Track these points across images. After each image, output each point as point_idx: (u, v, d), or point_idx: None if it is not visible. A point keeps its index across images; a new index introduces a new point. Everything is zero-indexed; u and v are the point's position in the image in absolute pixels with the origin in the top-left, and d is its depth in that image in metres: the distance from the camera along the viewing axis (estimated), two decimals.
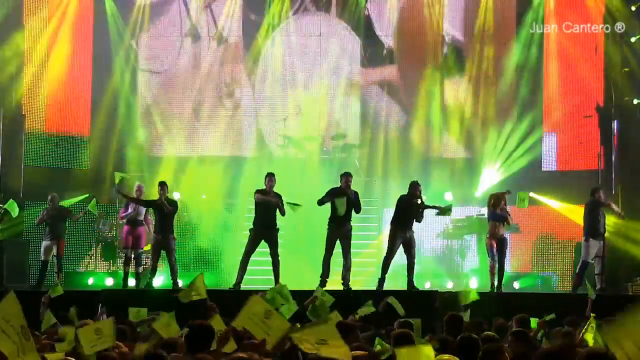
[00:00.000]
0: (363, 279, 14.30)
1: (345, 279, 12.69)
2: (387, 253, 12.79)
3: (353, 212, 12.83)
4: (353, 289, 12.61)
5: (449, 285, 14.80)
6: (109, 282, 14.69)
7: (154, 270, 13.29)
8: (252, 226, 12.99)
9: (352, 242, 12.91)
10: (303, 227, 15.02)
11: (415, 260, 12.81)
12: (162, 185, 13.34)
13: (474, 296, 9.73)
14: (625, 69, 15.80)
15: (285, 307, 8.01)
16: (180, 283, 13.43)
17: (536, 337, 7.53)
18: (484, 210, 13.97)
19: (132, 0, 17.49)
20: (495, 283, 12.88)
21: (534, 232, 15.93)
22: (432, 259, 15.58)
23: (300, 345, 4.39)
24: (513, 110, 16.85)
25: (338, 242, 12.79)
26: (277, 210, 12.83)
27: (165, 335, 6.52)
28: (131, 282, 13.69)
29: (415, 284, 12.70)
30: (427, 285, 14.48)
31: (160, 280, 14.01)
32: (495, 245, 12.91)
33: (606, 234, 13.26)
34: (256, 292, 7.18)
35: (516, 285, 14.72)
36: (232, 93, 17.77)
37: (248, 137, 17.70)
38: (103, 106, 16.98)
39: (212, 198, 16.21)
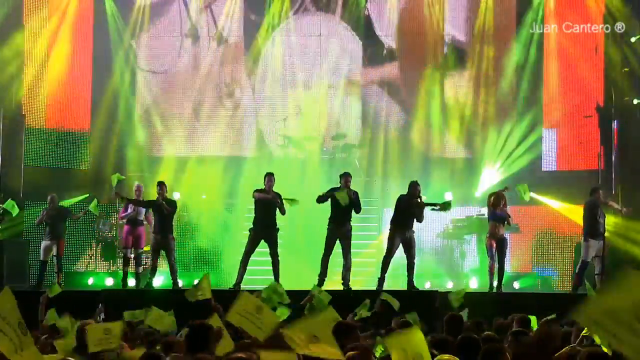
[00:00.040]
0: (363, 279, 14.29)
1: (345, 279, 12.69)
2: (386, 252, 12.81)
3: (353, 212, 12.85)
4: (353, 289, 12.62)
5: (449, 285, 14.80)
6: (109, 282, 14.68)
7: (153, 270, 13.30)
8: (251, 226, 13.00)
9: (352, 242, 12.92)
10: (303, 227, 15.02)
11: (415, 260, 12.82)
12: (161, 185, 13.35)
13: (458, 299, 9.59)
14: (625, 69, 15.80)
15: (279, 311, 8.03)
16: (180, 283, 13.44)
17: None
18: (484, 210, 13.97)
19: (132, 0, 17.50)
20: (495, 283, 12.88)
21: (534, 232, 15.93)
22: (432, 259, 15.58)
23: (291, 344, 4.38)
24: (513, 110, 16.86)
25: (338, 242, 12.79)
26: (277, 209, 12.84)
27: (160, 327, 6.55)
28: (131, 282, 13.70)
29: (415, 284, 12.71)
30: (427, 285, 14.48)
31: (160, 280, 14.01)
32: (495, 245, 12.91)
33: (606, 234, 13.26)
34: (255, 292, 7.19)
35: (516, 285, 14.72)
36: (232, 93, 17.77)
37: (248, 137, 17.70)
38: (103, 106, 16.98)
39: (212, 198, 16.21)
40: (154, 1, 17.57)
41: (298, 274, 13.18)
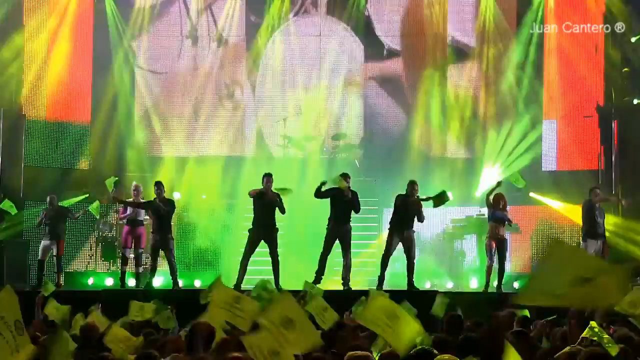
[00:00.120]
0: (363, 279, 14.30)
1: (346, 278, 12.71)
2: (384, 251, 12.86)
3: (353, 212, 12.86)
4: (353, 288, 12.61)
5: (449, 285, 14.81)
6: (109, 282, 14.68)
7: (153, 271, 13.31)
8: (251, 226, 13.00)
9: (352, 242, 12.93)
10: (303, 227, 15.02)
11: (415, 261, 12.83)
12: (158, 185, 13.38)
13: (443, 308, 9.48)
14: (625, 69, 15.80)
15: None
16: (180, 283, 13.45)
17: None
18: (484, 210, 13.98)
19: (132, 1, 17.49)
20: (495, 283, 12.89)
21: (534, 232, 15.93)
22: (432, 259, 15.58)
23: (268, 334, 4.36)
24: (513, 110, 16.86)
25: (337, 242, 12.80)
26: (277, 209, 12.84)
27: (143, 318, 6.59)
28: (131, 282, 13.71)
29: (415, 284, 12.72)
30: (427, 285, 14.49)
31: (160, 280, 14.01)
32: (494, 245, 12.92)
33: (607, 234, 13.27)
34: (245, 292, 7.17)
35: (516, 285, 14.70)
36: (232, 94, 17.77)
37: (248, 137, 17.70)
38: (103, 106, 16.97)
39: (212, 198, 16.21)
40: (154, 2, 17.56)
41: (298, 274, 13.17)
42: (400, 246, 12.84)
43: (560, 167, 16.62)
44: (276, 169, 13.77)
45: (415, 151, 16.99)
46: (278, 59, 17.71)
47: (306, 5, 17.86)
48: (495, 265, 13.06)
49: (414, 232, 12.82)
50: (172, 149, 17.30)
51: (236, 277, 12.73)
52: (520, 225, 15.26)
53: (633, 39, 15.68)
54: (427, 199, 12.73)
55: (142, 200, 13.69)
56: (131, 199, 13.72)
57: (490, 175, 16.42)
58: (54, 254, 13.83)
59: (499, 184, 13.42)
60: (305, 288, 8.92)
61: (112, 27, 17.28)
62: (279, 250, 12.94)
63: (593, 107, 16.27)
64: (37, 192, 15.30)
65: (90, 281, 14.95)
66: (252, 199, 13.02)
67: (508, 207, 13.22)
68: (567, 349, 5.57)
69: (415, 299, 11.54)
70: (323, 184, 12.68)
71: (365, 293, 10.44)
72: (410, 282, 12.67)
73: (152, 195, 13.45)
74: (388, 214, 13.45)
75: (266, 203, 12.79)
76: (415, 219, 12.78)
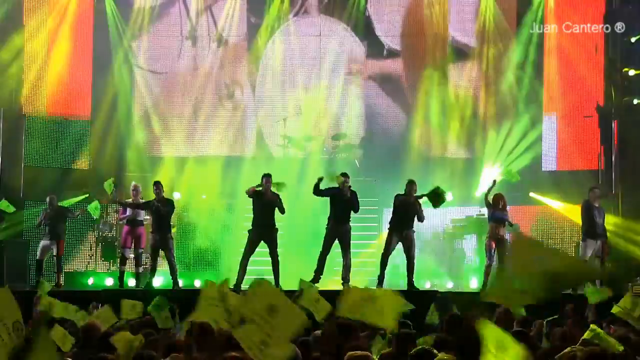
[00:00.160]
0: (363, 279, 14.29)
1: (345, 278, 12.71)
2: (383, 251, 12.87)
3: (352, 212, 12.86)
4: None
5: (449, 285, 14.81)
6: (109, 282, 14.68)
7: (153, 271, 13.31)
8: (251, 227, 13.00)
9: (352, 242, 12.93)
10: (303, 227, 15.03)
11: (415, 261, 12.83)
12: (157, 184, 13.39)
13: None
14: (625, 69, 15.80)
15: None
16: (181, 283, 13.44)
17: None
18: (484, 210, 13.98)
19: (132, 1, 17.49)
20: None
21: (534, 232, 15.93)
22: (432, 259, 15.57)
23: (254, 325, 4.35)
24: (513, 110, 16.86)
25: (337, 241, 12.81)
26: (277, 209, 12.84)
27: (135, 316, 6.58)
28: (131, 282, 13.71)
29: (415, 284, 12.72)
30: (427, 285, 14.49)
31: (160, 280, 14.01)
32: (494, 246, 12.92)
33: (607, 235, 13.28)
34: (242, 292, 7.18)
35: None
36: (232, 94, 17.77)
37: (248, 137, 17.70)
38: (103, 106, 16.97)
39: (212, 198, 16.21)
40: (154, 2, 17.56)
41: (298, 274, 13.15)
42: (400, 246, 12.84)
43: (560, 167, 16.62)
44: (276, 169, 13.76)
45: (415, 151, 16.99)
46: (278, 59, 17.71)
47: (306, 6, 17.86)
48: (495, 265, 13.05)
49: (413, 232, 12.82)
50: (172, 149, 17.30)
51: (236, 277, 12.72)
52: (520, 225, 15.27)
53: (633, 39, 15.68)
54: (421, 197, 12.73)
55: (141, 201, 13.69)
56: (130, 199, 13.73)
57: (489, 175, 16.43)
58: (54, 254, 13.83)
59: (494, 183, 13.43)
60: (301, 287, 8.92)
61: (112, 27, 17.28)
62: (279, 250, 12.93)
63: (593, 107, 16.28)
64: (37, 192, 15.31)
65: (90, 281, 14.95)
66: (251, 199, 13.01)
67: (508, 207, 13.22)
68: (567, 349, 5.57)
69: (416, 299, 11.57)
70: (320, 180, 12.71)
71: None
72: (410, 282, 12.67)
73: (152, 196, 13.45)
74: (388, 214, 13.46)
75: (265, 203, 12.79)
76: (416, 218, 12.78)
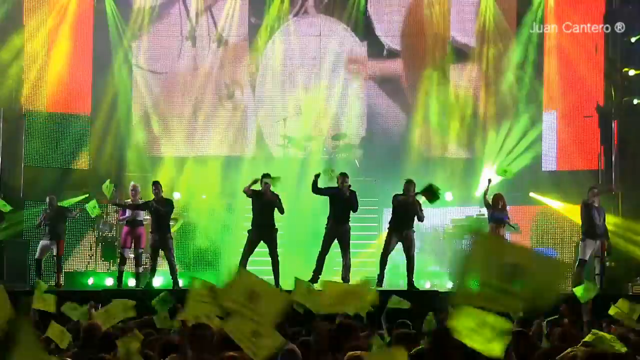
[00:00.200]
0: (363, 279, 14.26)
1: (345, 278, 12.70)
2: (383, 250, 12.86)
3: (351, 212, 12.86)
4: None
5: (449, 285, 14.80)
6: (109, 282, 14.68)
7: (153, 271, 13.31)
8: (250, 227, 13.00)
9: (352, 241, 12.93)
10: (303, 227, 15.02)
11: (415, 261, 12.83)
12: (156, 184, 13.40)
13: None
14: (625, 69, 15.80)
15: None
16: (181, 283, 13.44)
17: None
18: (484, 210, 13.98)
19: (132, 1, 17.49)
20: None
21: (534, 232, 15.93)
22: (432, 259, 15.57)
23: (239, 316, 4.34)
24: (513, 110, 16.86)
25: (336, 241, 12.81)
26: (276, 209, 12.84)
27: (127, 316, 6.59)
28: (131, 282, 13.71)
29: (415, 284, 12.71)
30: (427, 285, 14.48)
31: (160, 280, 14.01)
32: None
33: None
34: None
35: None
36: (232, 94, 17.77)
37: (248, 137, 17.70)
38: (103, 106, 16.98)
39: (212, 198, 16.21)
40: (154, 3, 17.56)
41: (298, 274, 13.14)
42: (399, 245, 12.84)
43: (560, 167, 16.62)
44: (276, 169, 13.75)
45: (415, 151, 16.99)
46: (278, 59, 17.71)
47: (306, 6, 17.86)
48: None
49: (414, 232, 12.82)
50: (172, 149, 17.30)
51: None
52: (520, 225, 15.26)
53: (633, 39, 15.68)
54: (416, 194, 12.73)
55: (140, 201, 13.70)
56: (129, 200, 13.74)
57: (484, 175, 16.44)
58: (54, 253, 13.83)
59: (489, 182, 13.44)
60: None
61: (112, 27, 17.28)
62: (278, 250, 12.93)
63: (593, 107, 16.28)
64: (37, 192, 15.31)
65: (90, 281, 14.94)
66: (250, 199, 13.01)
67: (508, 207, 13.21)
68: (567, 350, 5.56)
69: (416, 299, 11.57)
70: (317, 176, 12.73)
71: None
72: (410, 282, 12.67)
73: (152, 196, 13.45)
74: (388, 214, 13.46)
75: (265, 203, 12.80)
76: (415, 218, 12.78)
